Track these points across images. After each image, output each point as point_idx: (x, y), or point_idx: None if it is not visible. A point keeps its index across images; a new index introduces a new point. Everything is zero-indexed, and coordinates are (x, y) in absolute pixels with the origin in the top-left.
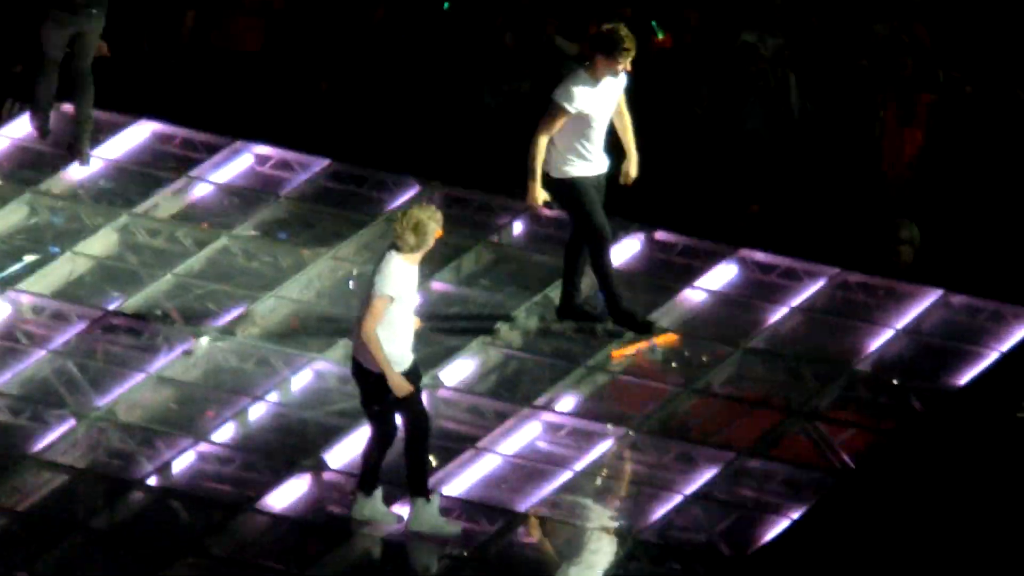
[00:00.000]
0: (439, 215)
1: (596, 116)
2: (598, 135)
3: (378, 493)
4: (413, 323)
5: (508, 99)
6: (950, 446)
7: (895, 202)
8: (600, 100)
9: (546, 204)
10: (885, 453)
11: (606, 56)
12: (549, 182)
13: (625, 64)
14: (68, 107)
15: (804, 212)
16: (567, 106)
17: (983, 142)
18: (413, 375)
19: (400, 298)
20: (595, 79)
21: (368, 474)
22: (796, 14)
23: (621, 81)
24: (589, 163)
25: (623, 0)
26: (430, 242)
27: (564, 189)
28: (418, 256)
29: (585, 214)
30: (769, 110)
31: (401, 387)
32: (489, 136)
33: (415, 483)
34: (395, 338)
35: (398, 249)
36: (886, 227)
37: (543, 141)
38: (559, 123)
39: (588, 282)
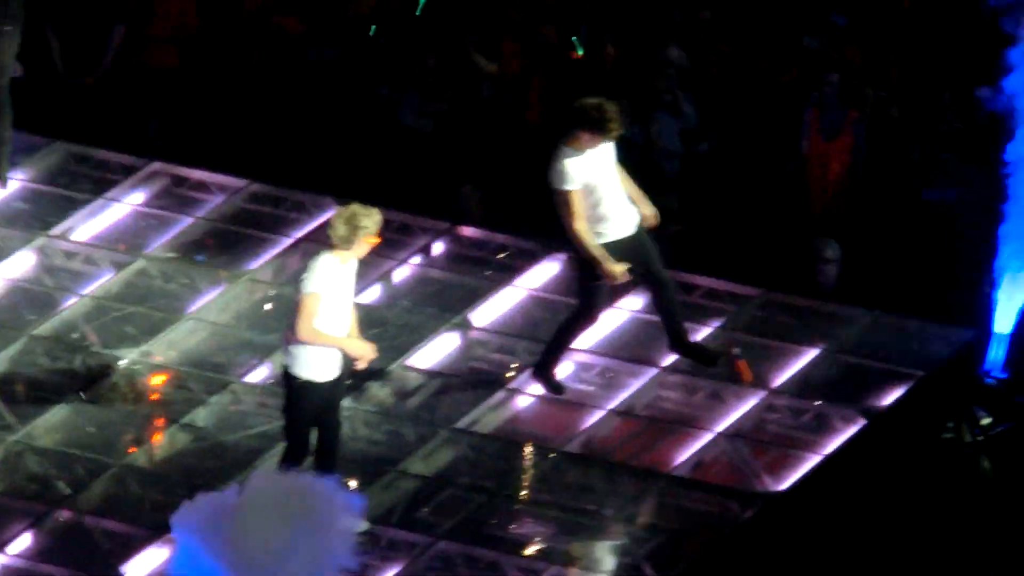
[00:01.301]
0: (378, 218)
1: (599, 182)
2: (609, 199)
3: None
4: (350, 323)
5: (429, 119)
6: (874, 468)
7: (818, 221)
8: (595, 166)
9: (630, 271)
10: (809, 476)
11: (592, 133)
12: (579, 261)
13: (610, 137)
14: None
15: (727, 232)
16: (569, 187)
17: (906, 160)
18: (337, 386)
19: (329, 295)
20: (580, 152)
21: None
22: (717, 29)
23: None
24: (615, 226)
25: (544, 19)
26: (361, 240)
27: (581, 269)
28: (348, 255)
29: (588, 294)
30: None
31: (359, 350)
32: (409, 156)
33: None
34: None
35: (330, 247)
36: (809, 247)
37: (580, 225)
38: (577, 204)
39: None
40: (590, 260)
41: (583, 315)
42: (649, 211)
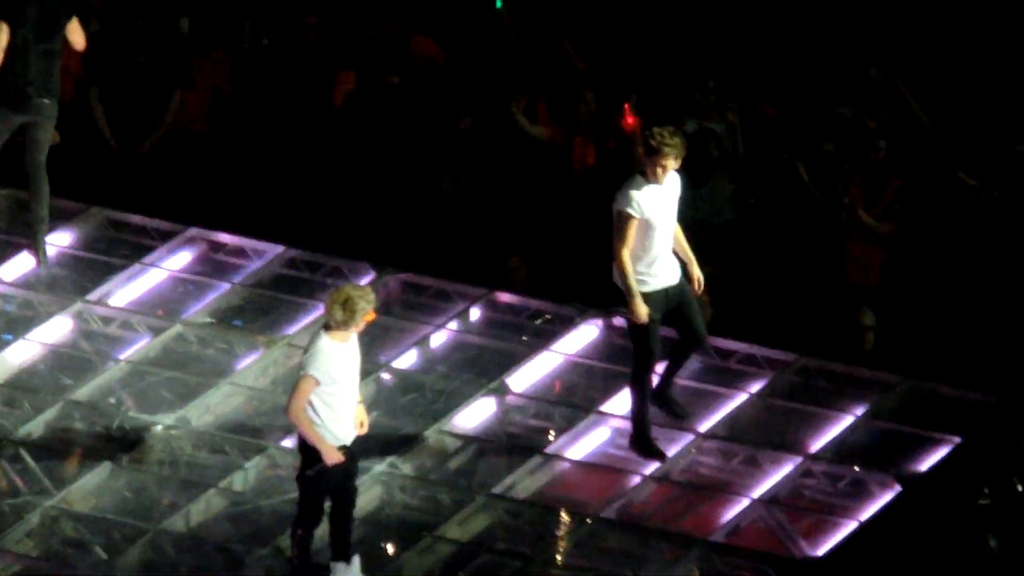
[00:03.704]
0: (372, 296)
1: (657, 222)
2: (661, 243)
3: (356, 562)
4: (355, 403)
5: (467, 184)
6: (912, 534)
7: (856, 290)
8: (659, 204)
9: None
10: (845, 542)
11: (649, 156)
12: (616, 292)
13: (669, 162)
14: (17, 192)
15: (763, 300)
16: (631, 212)
17: (947, 229)
18: (350, 455)
19: (331, 378)
20: (649, 182)
21: (336, 545)
22: (746, 99)
23: (676, 187)
24: (655, 276)
25: (586, 84)
26: (359, 321)
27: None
28: (348, 335)
29: (642, 334)
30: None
31: (330, 455)
32: (448, 221)
33: (337, 547)
34: (333, 417)
35: (327, 328)
36: (849, 316)
37: (626, 255)
38: (631, 232)
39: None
40: (624, 290)
41: (642, 358)
42: (697, 274)
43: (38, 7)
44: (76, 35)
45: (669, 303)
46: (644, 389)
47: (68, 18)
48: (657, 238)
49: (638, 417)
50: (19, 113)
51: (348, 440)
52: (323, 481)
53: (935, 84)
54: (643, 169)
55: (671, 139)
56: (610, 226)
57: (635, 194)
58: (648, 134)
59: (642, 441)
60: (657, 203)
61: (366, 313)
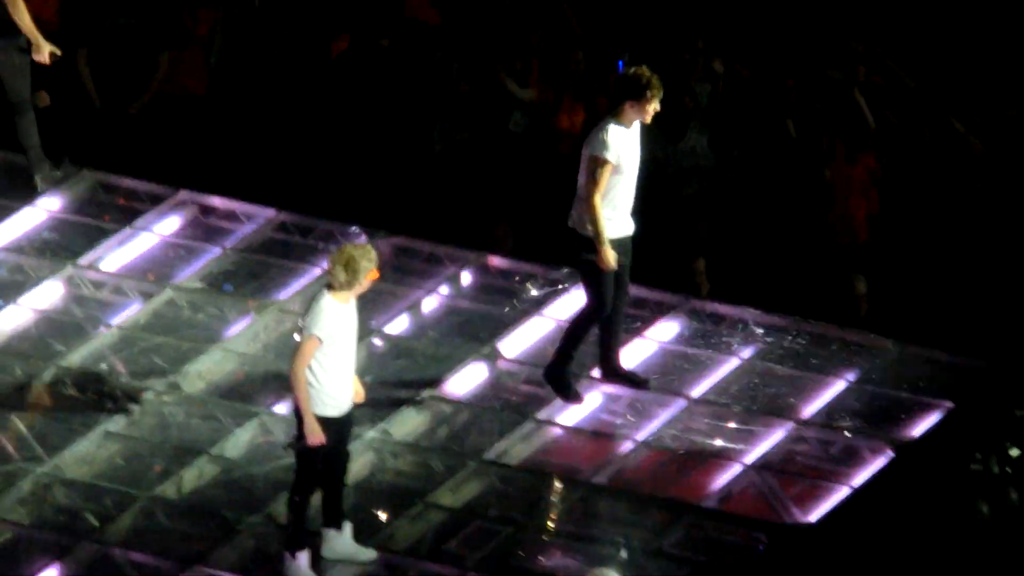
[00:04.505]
0: (374, 254)
1: (627, 168)
2: (627, 190)
3: (348, 528)
4: (352, 367)
5: (459, 147)
6: (904, 499)
7: (848, 253)
8: (630, 151)
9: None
10: (838, 507)
11: (636, 100)
12: (576, 237)
13: (655, 104)
14: (5, 155)
15: (754, 261)
16: (607, 156)
17: (936, 192)
18: (346, 420)
19: (333, 339)
20: (625, 126)
21: (328, 511)
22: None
23: (638, 135)
24: (616, 224)
25: (573, 44)
26: (362, 280)
27: (591, 250)
28: (349, 295)
29: (599, 281)
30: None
31: (313, 433)
32: (439, 184)
33: (329, 513)
34: (332, 380)
35: (330, 287)
36: (842, 281)
37: (598, 200)
38: (605, 177)
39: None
40: (593, 236)
41: (596, 304)
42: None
43: None
44: None
45: (619, 253)
46: (582, 334)
47: None
48: (624, 184)
49: (565, 354)
50: None
51: (345, 404)
52: (317, 447)
53: (925, 53)
54: (616, 113)
55: (658, 82)
56: None
57: (611, 139)
58: (636, 76)
59: (560, 378)
60: (629, 149)
61: (368, 272)
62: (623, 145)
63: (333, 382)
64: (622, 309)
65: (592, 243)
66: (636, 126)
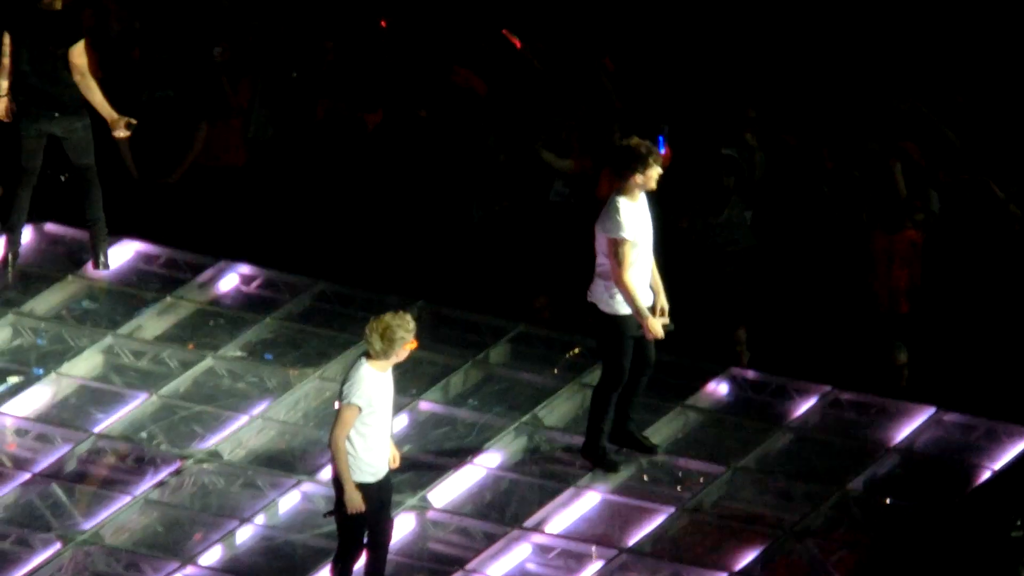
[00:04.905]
0: (412, 324)
1: (643, 241)
2: (644, 263)
3: None
4: (389, 434)
5: (497, 217)
6: (945, 564)
7: (888, 321)
8: (644, 223)
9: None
10: (880, 573)
11: (641, 168)
12: (596, 314)
13: (657, 169)
14: (49, 226)
15: (794, 331)
16: (625, 235)
17: (976, 261)
18: (385, 486)
19: (371, 406)
20: (633, 200)
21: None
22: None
23: (645, 204)
24: (642, 293)
25: (612, 119)
26: (399, 350)
27: (609, 325)
28: (387, 364)
29: (618, 354)
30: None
31: (352, 502)
32: (478, 254)
33: None
34: (370, 447)
35: (367, 356)
36: (883, 351)
37: (629, 276)
38: (629, 255)
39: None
40: (634, 313)
41: (614, 376)
42: (663, 303)
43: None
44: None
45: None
46: (606, 406)
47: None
48: (641, 257)
49: (595, 429)
50: (41, 129)
51: (382, 471)
52: (358, 514)
53: (964, 108)
54: (623, 189)
55: (651, 148)
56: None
57: (624, 217)
58: (634, 147)
59: (597, 453)
60: (641, 222)
61: (405, 342)
62: (635, 220)
63: (371, 449)
64: (641, 379)
65: (610, 319)
66: (643, 198)
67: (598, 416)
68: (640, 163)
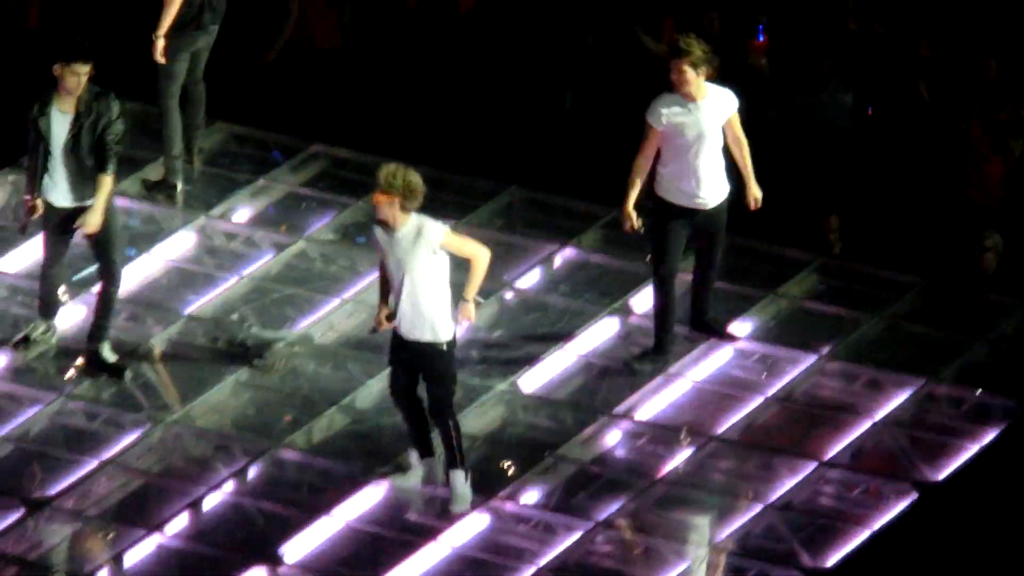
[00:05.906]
0: (384, 174)
1: (691, 136)
2: (695, 159)
3: (431, 461)
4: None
5: (589, 101)
6: None
7: (980, 211)
8: (689, 118)
9: (635, 230)
10: (972, 467)
11: (670, 59)
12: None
13: (684, 67)
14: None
15: (886, 219)
16: (652, 122)
17: None
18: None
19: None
20: (675, 93)
21: (418, 440)
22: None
23: (728, 103)
24: (685, 194)
25: (712, 4)
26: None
27: (655, 213)
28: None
29: (655, 243)
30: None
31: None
32: (571, 139)
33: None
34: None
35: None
36: (971, 236)
37: (638, 161)
38: (651, 142)
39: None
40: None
41: (657, 260)
42: (755, 193)
43: None
44: None
45: (696, 224)
46: (661, 288)
47: None
48: (688, 152)
49: (656, 314)
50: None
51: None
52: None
53: None
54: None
55: (692, 44)
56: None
57: (660, 106)
58: (675, 38)
59: (659, 338)
60: (686, 116)
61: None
62: (675, 112)
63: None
64: (709, 274)
65: (657, 207)
66: (708, 95)
67: (655, 303)
68: (670, 52)
